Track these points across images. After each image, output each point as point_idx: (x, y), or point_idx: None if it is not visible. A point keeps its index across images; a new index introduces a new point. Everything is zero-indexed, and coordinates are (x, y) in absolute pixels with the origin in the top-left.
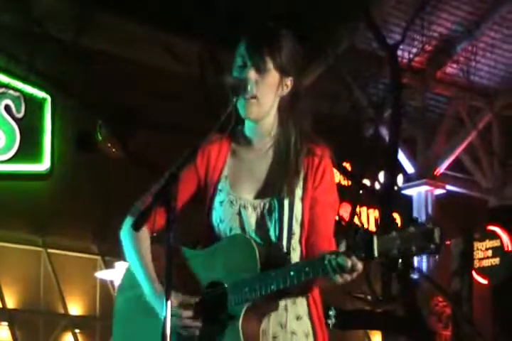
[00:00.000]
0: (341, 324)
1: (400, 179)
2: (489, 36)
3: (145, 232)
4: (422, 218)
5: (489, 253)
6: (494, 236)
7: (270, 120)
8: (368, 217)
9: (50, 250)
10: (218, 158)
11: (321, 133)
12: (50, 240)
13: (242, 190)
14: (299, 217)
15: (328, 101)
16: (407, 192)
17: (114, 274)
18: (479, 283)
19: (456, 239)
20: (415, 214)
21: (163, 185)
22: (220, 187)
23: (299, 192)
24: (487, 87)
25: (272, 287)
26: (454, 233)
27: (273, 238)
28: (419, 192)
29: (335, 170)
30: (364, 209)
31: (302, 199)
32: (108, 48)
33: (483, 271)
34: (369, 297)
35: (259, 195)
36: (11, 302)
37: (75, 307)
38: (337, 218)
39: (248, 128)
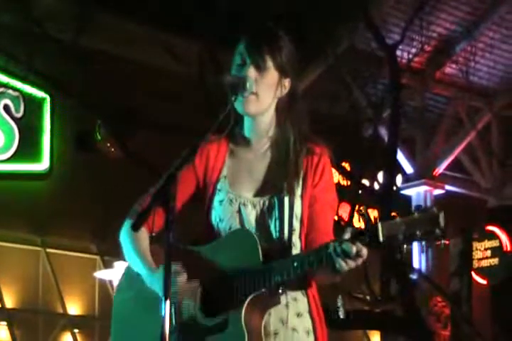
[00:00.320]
0: (340, 324)
1: (399, 179)
2: (488, 36)
3: (144, 233)
4: None
5: (488, 253)
6: (493, 236)
7: (268, 119)
8: (368, 215)
9: (49, 250)
10: (217, 158)
11: (320, 133)
12: (49, 240)
13: (242, 189)
14: (299, 214)
15: (327, 101)
16: (406, 192)
17: (113, 274)
18: (478, 283)
19: (455, 239)
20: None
21: (162, 185)
22: (219, 186)
23: (298, 189)
24: (486, 87)
25: (276, 278)
26: (453, 233)
27: (274, 235)
28: (418, 192)
29: (334, 170)
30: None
31: (301, 197)
32: (108, 48)
33: (482, 271)
34: (368, 297)
35: (258, 193)
36: (9, 302)
37: (74, 307)
38: (336, 218)
39: (246, 127)
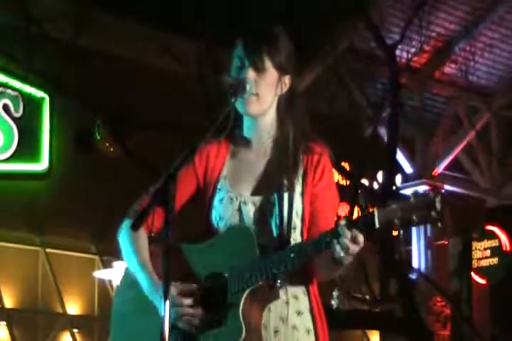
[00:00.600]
0: (340, 323)
1: (398, 179)
2: (487, 36)
3: (142, 232)
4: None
5: (487, 253)
6: (492, 236)
7: (269, 118)
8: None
9: (48, 249)
10: (217, 159)
11: (319, 133)
12: (48, 239)
13: (242, 188)
14: (300, 212)
15: (326, 101)
16: (405, 191)
17: (112, 274)
18: (478, 283)
19: (454, 238)
20: (416, 227)
21: (161, 185)
22: (219, 186)
23: (298, 187)
24: (485, 87)
25: (273, 270)
26: (453, 233)
27: (274, 232)
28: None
29: (333, 170)
30: None
31: (302, 195)
32: (107, 48)
33: (481, 271)
34: (367, 297)
35: (258, 191)
36: (8, 302)
37: (73, 307)
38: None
39: (247, 127)
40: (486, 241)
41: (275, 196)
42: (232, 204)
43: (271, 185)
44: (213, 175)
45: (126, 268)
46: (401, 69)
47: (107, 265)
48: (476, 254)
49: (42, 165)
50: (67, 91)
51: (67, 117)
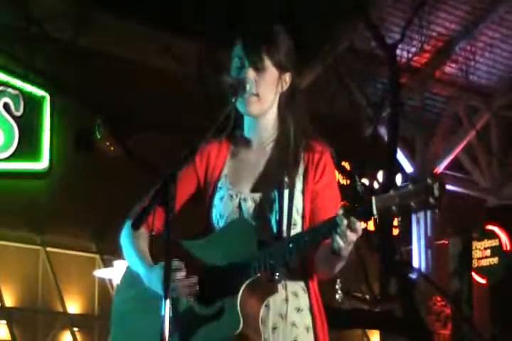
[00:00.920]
0: (340, 323)
1: (398, 178)
2: (488, 36)
3: (143, 232)
4: (420, 217)
5: (488, 252)
6: (493, 235)
7: (270, 118)
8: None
9: (48, 248)
10: (218, 159)
11: (319, 133)
12: (48, 238)
13: (242, 185)
14: (300, 209)
15: (326, 101)
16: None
17: (112, 273)
18: (478, 282)
19: (454, 238)
20: (414, 214)
21: (162, 184)
22: (219, 185)
23: (299, 185)
24: (485, 87)
25: (271, 261)
26: (453, 232)
27: (274, 228)
28: None
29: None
30: None
31: (303, 192)
32: (107, 48)
33: (481, 271)
34: (367, 296)
35: (258, 188)
36: (9, 301)
37: (74, 306)
38: None
39: (248, 127)
40: (486, 240)
41: (275, 193)
42: (232, 202)
43: (271, 182)
44: (214, 174)
45: (127, 268)
46: (401, 69)
47: (107, 264)
48: (476, 254)
49: (42, 164)
50: (68, 90)
51: (67, 116)
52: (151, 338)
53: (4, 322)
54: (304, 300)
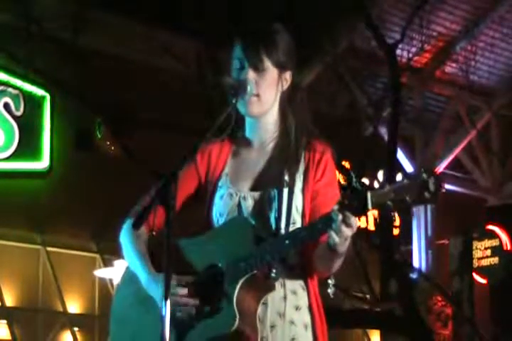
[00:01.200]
0: (340, 323)
1: (399, 178)
2: (488, 35)
3: (143, 231)
4: (421, 217)
5: (488, 252)
6: (493, 235)
7: (271, 118)
8: (367, 216)
9: (48, 248)
10: (219, 158)
11: (320, 132)
12: (48, 238)
13: (242, 184)
14: (300, 207)
15: (327, 101)
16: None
17: (113, 272)
18: (478, 282)
19: (455, 238)
20: (414, 214)
21: (162, 184)
22: (220, 183)
23: (299, 184)
24: (486, 86)
25: (268, 258)
26: (453, 232)
27: (273, 226)
28: None
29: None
30: None
31: (303, 191)
32: (107, 47)
33: (482, 271)
34: (368, 296)
35: (258, 187)
36: (9, 300)
37: (74, 306)
38: None
39: (249, 128)
40: (486, 240)
41: (275, 191)
42: (232, 200)
43: (271, 180)
44: (215, 173)
45: (127, 267)
46: (402, 69)
47: (107, 263)
48: (477, 254)
49: (42, 163)
50: (68, 90)
51: (67, 116)
52: (149, 334)
53: (4, 321)
54: (302, 299)
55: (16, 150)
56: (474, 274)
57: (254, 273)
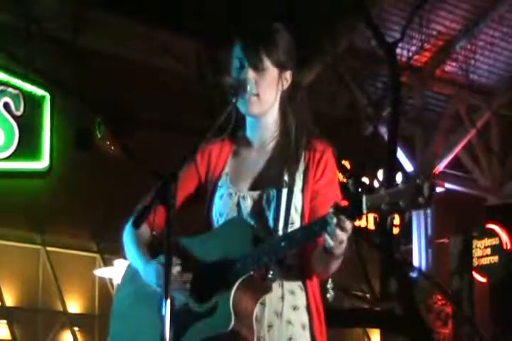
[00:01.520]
0: (340, 322)
1: (398, 177)
2: (488, 34)
3: (145, 230)
4: (420, 216)
5: (488, 251)
6: (493, 234)
7: (272, 118)
8: (367, 215)
9: (48, 248)
10: (219, 158)
11: (320, 132)
12: (48, 238)
13: (242, 183)
14: (299, 208)
15: (327, 100)
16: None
17: (113, 272)
18: (478, 281)
19: (455, 237)
20: (414, 213)
21: (163, 183)
22: (220, 183)
23: (299, 183)
24: (486, 86)
25: (264, 259)
26: (453, 231)
27: (271, 227)
28: None
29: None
30: None
31: (302, 191)
32: (107, 47)
33: (482, 270)
34: (368, 295)
35: (258, 186)
36: (9, 300)
37: (74, 305)
38: None
39: (249, 127)
40: (486, 239)
41: (274, 191)
42: (232, 200)
43: (270, 180)
44: (215, 173)
45: (128, 266)
46: (401, 68)
47: (107, 263)
48: (477, 253)
49: (42, 163)
50: (68, 90)
51: (67, 116)
52: (149, 333)
53: (4, 321)
54: (300, 299)
55: (15, 150)
56: (474, 273)
57: (251, 274)
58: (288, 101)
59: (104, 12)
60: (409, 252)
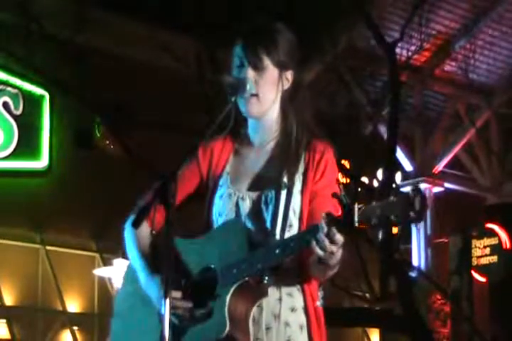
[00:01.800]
0: (340, 321)
1: (398, 177)
2: (487, 34)
3: (146, 228)
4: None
5: (487, 251)
6: (492, 234)
7: (272, 118)
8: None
9: (48, 247)
10: (221, 156)
11: (320, 131)
12: (48, 237)
13: (242, 184)
14: (298, 210)
15: (326, 99)
16: (405, 189)
17: (112, 271)
18: (478, 281)
19: (454, 236)
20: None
21: (163, 182)
22: (221, 182)
23: (298, 185)
24: (485, 85)
25: (258, 266)
26: (452, 231)
27: (268, 229)
28: None
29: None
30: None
31: (301, 193)
32: (106, 47)
33: (481, 269)
34: (367, 295)
35: (257, 187)
36: (9, 299)
37: (73, 305)
38: None
39: (251, 127)
40: (485, 239)
41: (273, 192)
42: (231, 200)
43: (269, 181)
44: (216, 171)
45: (128, 265)
46: (401, 67)
47: (107, 263)
48: (476, 252)
49: (42, 162)
50: (67, 89)
51: (67, 115)
52: (150, 333)
53: (4, 320)
54: (298, 300)
55: (15, 149)
56: (473, 273)
57: (246, 280)
58: (289, 101)
59: (104, 11)
60: (409, 252)
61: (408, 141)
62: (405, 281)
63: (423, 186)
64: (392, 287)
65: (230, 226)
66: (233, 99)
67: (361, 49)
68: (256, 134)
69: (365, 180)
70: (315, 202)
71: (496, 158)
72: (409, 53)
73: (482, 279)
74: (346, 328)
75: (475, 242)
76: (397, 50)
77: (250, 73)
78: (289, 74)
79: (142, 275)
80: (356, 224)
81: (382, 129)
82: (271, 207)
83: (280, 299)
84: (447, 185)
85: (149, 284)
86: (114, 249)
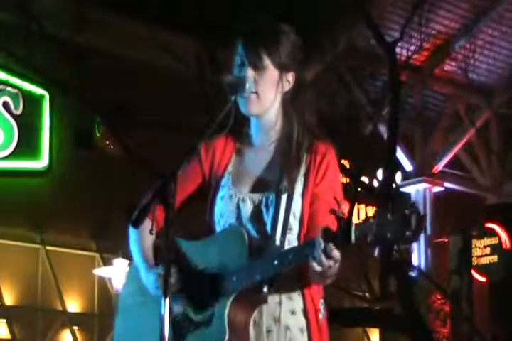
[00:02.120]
0: (340, 321)
1: (398, 176)
2: (487, 34)
3: (147, 228)
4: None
5: (487, 250)
6: (492, 233)
7: (272, 117)
8: (366, 215)
9: (48, 247)
10: (223, 155)
11: (321, 132)
12: (48, 237)
13: (243, 185)
14: (298, 213)
15: (326, 99)
16: (405, 189)
17: (112, 271)
18: (477, 280)
19: (454, 236)
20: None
21: (163, 182)
22: (222, 182)
23: (299, 187)
24: (485, 85)
25: (257, 277)
26: (453, 230)
27: (269, 233)
28: (417, 190)
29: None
30: (362, 206)
31: (302, 196)
32: (106, 46)
33: (481, 269)
34: (367, 294)
35: (258, 189)
36: (9, 299)
37: (73, 305)
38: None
39: (252, 125)
40: (485, 238)
41: (273, 195)
42: (231, 202)
43: (270, 183)
44: (219, 170)
45: (131, 264)
46: (401, 67)
47: (107, 262)
48: (476, 252)
49: (42, 162)
50: (67, 89)
51: (67, 115)
52: (151, 332)
53: (4, 320)
54: (298, 303)
55: (15, 149)
56: (473, 272)
57: (245, 289)
58: (290, 102)
59: (104, 11)
60: (409, 251)
61: (408, 140)
62: (405, 281)
63: (423, 186)
64: (392, 287)
65: (230, 232)
66: (233, 98)
67: (361, 49)
68: (258, 134)
69: (365, 180)
70: (315, 204)
71: (496, 158)
72: (409, 53)
73: (482, 279)
74: (346, 328)
75: (475, 242)
76: (397, 50)
77: (250, 72)
78: (290, 76)
79: (142, 271)
80: (353, 241)
81: (382, 129)
82: (271, 210)
83: (280, 302)
84: (447, 184)
85: (148, 278)
86: (114, 248)
